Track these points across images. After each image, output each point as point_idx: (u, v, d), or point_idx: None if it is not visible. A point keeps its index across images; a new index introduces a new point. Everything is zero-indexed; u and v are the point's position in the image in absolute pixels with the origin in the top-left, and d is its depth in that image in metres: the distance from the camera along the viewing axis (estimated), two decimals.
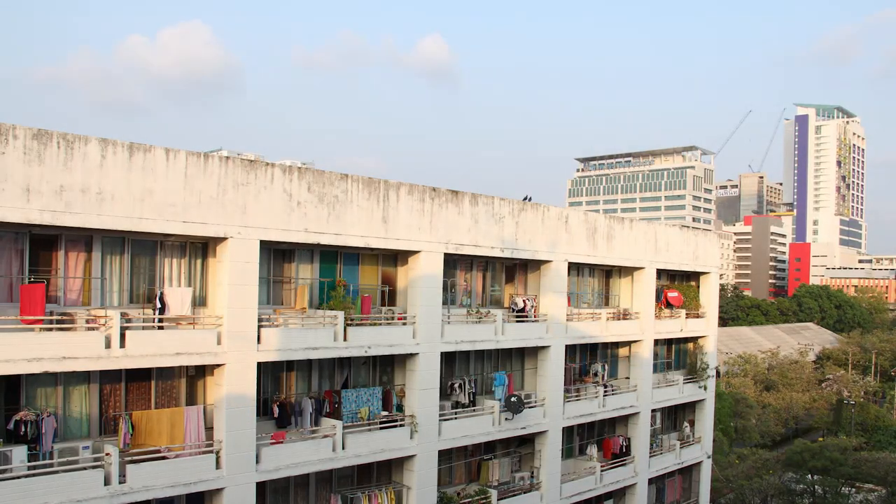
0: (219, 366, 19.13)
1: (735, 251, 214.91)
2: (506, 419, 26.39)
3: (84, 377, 18.08)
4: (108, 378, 18.50)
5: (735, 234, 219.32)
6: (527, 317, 27.61)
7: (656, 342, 34.85)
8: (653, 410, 34.15)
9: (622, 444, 32.46)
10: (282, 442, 20.40)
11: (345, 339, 21.48)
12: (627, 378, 33.56)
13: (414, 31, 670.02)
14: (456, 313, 25.95)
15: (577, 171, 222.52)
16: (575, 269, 30.98)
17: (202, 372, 19.91)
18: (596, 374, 32.17)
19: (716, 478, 45.24)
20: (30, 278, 16.94)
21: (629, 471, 32.35)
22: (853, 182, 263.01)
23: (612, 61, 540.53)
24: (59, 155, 16.25)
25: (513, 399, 26.37)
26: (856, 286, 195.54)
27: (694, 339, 37.80)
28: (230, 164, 19.11)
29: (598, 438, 32.85)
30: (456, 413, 25.26)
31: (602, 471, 30.81)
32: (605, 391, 31.08)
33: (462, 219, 24.66)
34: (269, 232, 19.80)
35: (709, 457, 38.09)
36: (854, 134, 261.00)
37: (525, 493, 27.43)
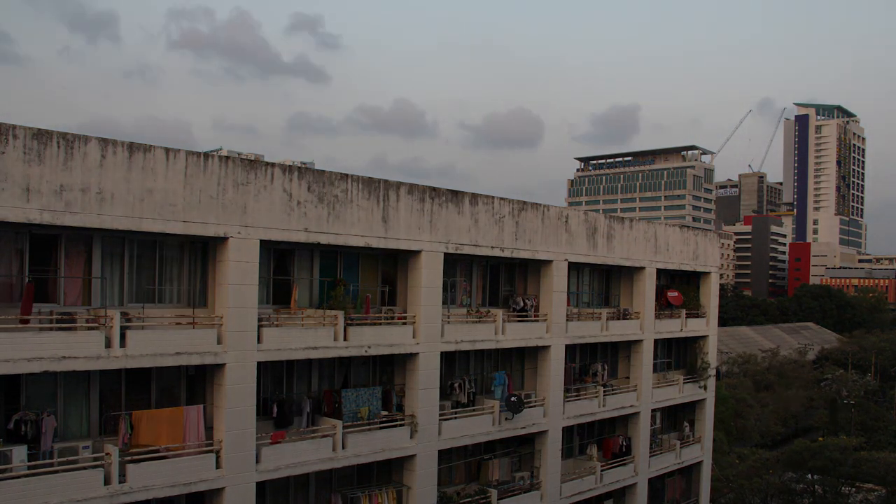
0: (219, 366, 19.14)
1: (735, 251, 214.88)
2: (506, 419, 26.40)
3: (84, 377, 18.08)
4: (108, 378, 18.51)
5: (735, 234, 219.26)
6: (527, 316, 27.62)
7: (656, 342, 34.87)
8: (653, 410, 34.16)
9: (622, 444, 32.46)
10: (282, 442, 20.41)
11: (345, 339, 21.49)
12: (627, 378, 33.56)
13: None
14: (456, 313, 25.96)
15: (577, 170, 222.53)
16: (575, 269, 30.97)
17: (202, 372, 19.91)
18: (596, 374, 32.18)
19: (716, 478, 45.24)
20: (29, 278, 16.94)
21: (629, 470, 32.35)
22: (853, 182, 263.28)
23: (611, 61, 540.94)
24: (59, 154, 16.25)
25: (513, 399, 26.37)
26: (856, 286, 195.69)
27: (694, 339, 37.80)
28: (230, 164, 19.12)
29: (598, 438, 32.85)
30: (456, 413, 25.27)
31: (602, 470, 30.81)
32: (605, 391, 31.09)
33: (462, 219, 24.67)
34: (270, 232, 19.81)
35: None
36: (854, 134, 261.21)
37: (525, 492, 27.44)
